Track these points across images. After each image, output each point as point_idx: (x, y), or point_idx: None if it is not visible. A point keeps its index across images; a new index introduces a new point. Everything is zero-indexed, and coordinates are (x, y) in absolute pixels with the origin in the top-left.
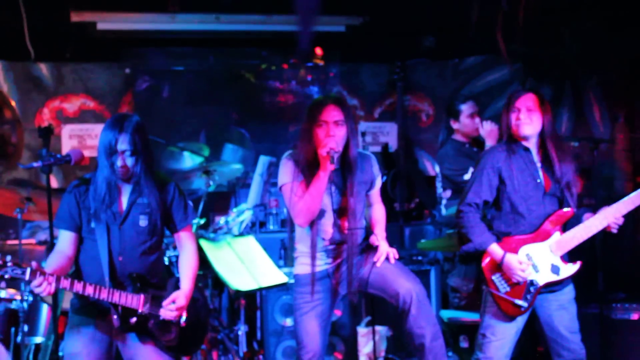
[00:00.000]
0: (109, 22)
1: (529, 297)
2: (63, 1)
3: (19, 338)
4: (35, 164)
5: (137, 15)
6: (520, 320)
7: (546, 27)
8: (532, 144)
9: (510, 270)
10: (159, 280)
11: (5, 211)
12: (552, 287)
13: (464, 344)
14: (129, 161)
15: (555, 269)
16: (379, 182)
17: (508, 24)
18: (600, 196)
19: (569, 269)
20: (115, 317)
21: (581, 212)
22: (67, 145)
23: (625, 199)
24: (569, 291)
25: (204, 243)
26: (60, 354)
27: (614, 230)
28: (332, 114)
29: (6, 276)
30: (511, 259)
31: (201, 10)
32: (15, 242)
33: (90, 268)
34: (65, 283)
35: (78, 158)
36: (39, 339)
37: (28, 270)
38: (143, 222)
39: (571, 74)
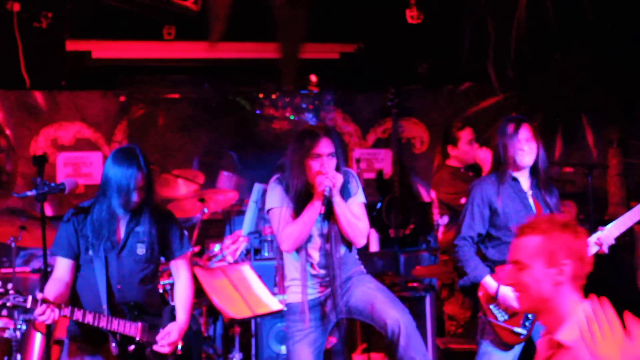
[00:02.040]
0: (104, 51)
1: (527, 324)
2: (58, 30)
3: None
4: (29, 193)
5: (132, 43)
6: (517, 347)
7: (539, 53)
8: (522, 173)
9: (506, 301)
10: (155, 308)
11: None
12: None
13: None
14: (142, 195)
15: None
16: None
17: (500, 51)
18: (594, 221)
19: None
20: (113, 344)
21: None
22: (62, 173)
23: (617, 221)
24: None
25: (198, 271)
26: None
27: (606, 251)
28: (326, 146)
29: (8, 304)
30: (505, 290)
31: (196, 38)
32: (9, 270)
33: (88, 295)
34: (66, 311)
35: (72, 187)
36: None
37: (30, 298)
38: (141, 250)
39: (564, 99)
